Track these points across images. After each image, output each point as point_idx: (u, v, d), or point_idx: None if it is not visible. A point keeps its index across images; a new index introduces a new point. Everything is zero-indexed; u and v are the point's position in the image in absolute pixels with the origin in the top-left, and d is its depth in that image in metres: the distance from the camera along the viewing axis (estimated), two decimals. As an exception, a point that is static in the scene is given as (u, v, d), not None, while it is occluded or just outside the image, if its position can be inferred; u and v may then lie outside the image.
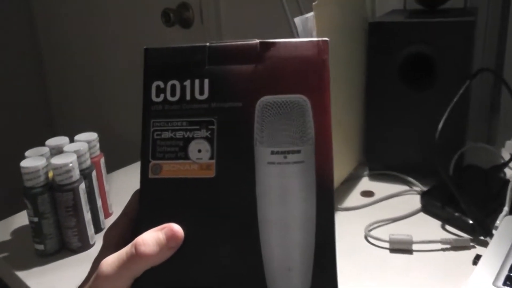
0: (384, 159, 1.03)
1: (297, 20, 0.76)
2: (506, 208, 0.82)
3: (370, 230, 0.84)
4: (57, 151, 0.87)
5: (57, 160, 0.80)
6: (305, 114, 0.42)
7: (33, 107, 2.51)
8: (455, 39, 0.91)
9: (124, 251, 0.41)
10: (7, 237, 0.92)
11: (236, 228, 0.41)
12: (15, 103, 2.41)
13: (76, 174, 0.81)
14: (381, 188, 0.99)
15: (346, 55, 0.94)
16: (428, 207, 0.89)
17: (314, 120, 0.42)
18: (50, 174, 0.82)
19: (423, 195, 0.90)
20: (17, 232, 0.94)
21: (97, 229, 0.89)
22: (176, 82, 0.44)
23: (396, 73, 0.96)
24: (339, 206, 0.93)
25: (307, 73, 0.42)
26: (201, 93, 0.43)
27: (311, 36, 0.78)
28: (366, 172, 1.05)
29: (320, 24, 0.77)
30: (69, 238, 0.83)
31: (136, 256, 0.40)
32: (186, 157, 0.43)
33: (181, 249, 0.41)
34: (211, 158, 0.42)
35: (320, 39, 0.43)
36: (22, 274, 0.81)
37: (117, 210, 0.97)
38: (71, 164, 0.80)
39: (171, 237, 0.41)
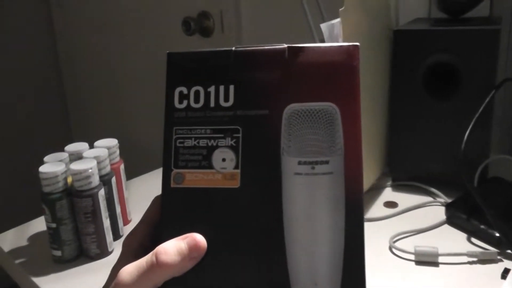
0: (407, 170, 1.01)
1: (323, 26, 0.75)
2: (534, 221, 0.80)
3: (395, 242, 0.82)
4: (76, 156, 0.86)
5: (76, 166, 0.79)
6: (335, 123, 0.40)
7: (52, 113, 2.52)
8: (480, 48, 0.89)
9: (144, 260, 0.40)
10: (24, 242, 0.92)
11: (261, 241, 0.40)
12: (33, 109, 2.43)
13: (95, 180, 0.80)
14: (404, 199, 0.97)
15: (371, 63, 0.93)
16: (453, 219, 0.87)
17: (344, 129, 0.40)
18: (69, 180, 0.81)
19: (448, 207, 0.88)
20: (34, 238, 0.93)
21: (116, 236, 0.88)
22: (200, 88, 0.43)
23: (420, 82, 0.95)
24: (362, 217, 0.91)
25: (337, 80, 0.41)
26: (226, 99, 0.42)
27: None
28: (389, 183, 1.03)
29: (346, 31, 0.76)
30: (88, 244, 0.82)
31: (156, 265, 0.39)
32: (210, 166, 0.41)
33: (203, 260, 0.40)
34: (236, 167, 0.41)
35: (350, 44, 0.41)
36: (38, 280, 0.81)
37: (135, 218, 0.96)
38: (90, 170, 0.79)
39: (193, 247, 0.39)
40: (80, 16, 2.24)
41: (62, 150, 0.88)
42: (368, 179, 0.99)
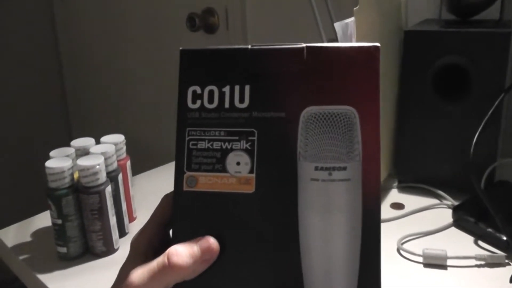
0: (414, 171, 1.01)
1: (337, 25, 0.74)
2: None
3: (402, 244, 0.82)
4: (83, 152, 0.85)
5: (84, 162, 0.78)
6: (353, 128, 0.38)
7: (55, 109, 2.51)
8: (490, 51, 0.89)
9: (155, 262, 0.39)
10: (28, 238, 0.91)
11: (276, 248, 0.39)
12: (35, 105, 2.42)
13: (102, 177, 0.79)
14: (411, 200, 0.96)
15: (382, 64, 0.92)
16: (461, 222, 0.86)
17: (362, 134, 0.38)
18: (76, 176, 0.81)
19: (455, 209, 0.88)
20: (38, 234, 0.92)
21: (121, 233, 0.87)
22: (214, 88, 0.41)
23: (429, 83, 0.94)
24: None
25: (356, 82, 0.39)
26: (241, 100, 0.40)
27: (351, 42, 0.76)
28: (395, 184, 1.03)
29: (360, 30, 0.75)
30: (94, 242, 0.82)
31: (168, 267, 0.38)
32: (224, 169, 0.40)
33: (217, 265, 0.39)
34: (251, 172, 0.40)
35: (371, 44, 0.40)
36: (43, 277, 0.80)
37: (141, 215, 0.95)
38: (98, 166, 0.78)
39: (206, 249, 0.39)
40: (83, 11, 2.23)
41: (65, 145, 0.87)
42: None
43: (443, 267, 0.76)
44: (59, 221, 0.80)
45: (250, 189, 0.39)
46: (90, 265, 0.81)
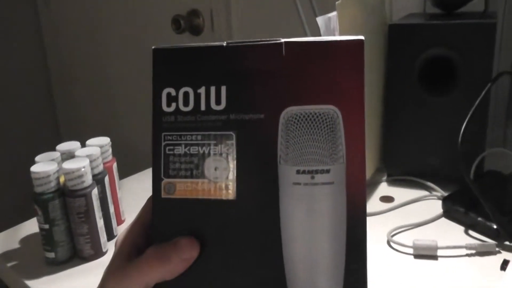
0: (402, 165, 1.01)
1: (320, 19, 0.74)
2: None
3: (393, 236, 0.82)
4: (68, 155, 0.85)
5: (69, 165, 0.77)
6: (336, 128, 0.36)
7: (42, 112, 2.48)
8: (476, 42, 0.89)
9: (135, 262, 0.39)
10: (16, 245, 0.90)
11: (257, 255, 0.37)
12: (21, 108, 2.39)
13: (88, 179, 0.79)
14: (400, 193, 0.96)
15: (366, 58, 0.92)
16: (451, 212, 0.86)
17: (346, 134, 0.36)
18: (62, 179, 0.80)
19: (445, 200, 0.88)
20: (26, 240, 0.91)
21: (110, 236, 0.86)
22: (189, 89, 0.38)
23: (415, 76, 0.94)
24: (358, 212, 0.90)
25: (339, 79, 0.37)
26: (218, 102, 0.38)
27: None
28: (384, 178, 1.03)
29: (342, 24, 0.75)
30: (81, 245, 0.81)
31: (146, 266, 0.38)
32: (203, 175, 0.38)
33: (196, 273, 0.38)
34: (230, 177, 0.38)
35: (355, 37, 0.37)
36: (31, 283, 0.79)
37: (129, 217, 0.95)
38: (83, 169, 0.77)
39: (185, 248, 0.38)
40: (68, 15, 2.22)
41: (52, 150, 0.87)
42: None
43: (434, 257, 0.76)
44: (46, 226, 0.79)
45: (229, 195, 0.38)
46: (79, 269, 0.81)
